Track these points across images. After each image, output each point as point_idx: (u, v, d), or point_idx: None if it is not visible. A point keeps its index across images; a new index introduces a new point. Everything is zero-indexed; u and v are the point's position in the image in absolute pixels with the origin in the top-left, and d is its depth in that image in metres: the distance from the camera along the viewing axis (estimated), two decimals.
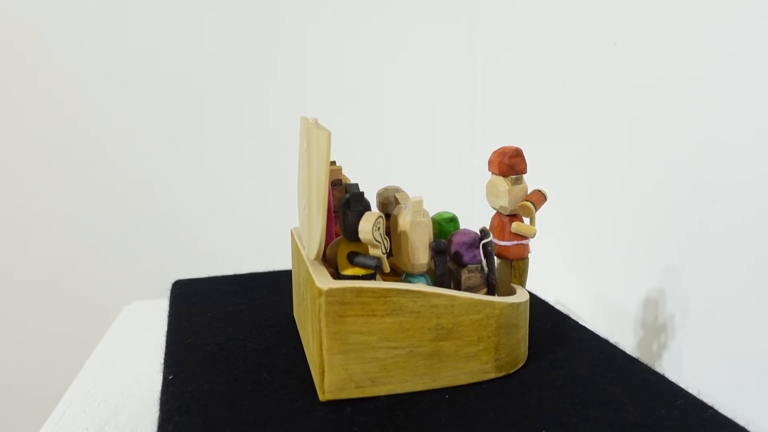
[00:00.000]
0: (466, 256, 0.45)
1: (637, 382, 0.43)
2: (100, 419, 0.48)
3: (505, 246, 0.49)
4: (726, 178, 0.53)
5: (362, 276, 0.43)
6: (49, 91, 0.91)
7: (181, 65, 0.94)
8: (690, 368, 0.58)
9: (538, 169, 0.49)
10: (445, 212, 0.51)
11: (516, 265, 0.49)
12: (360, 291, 0.40)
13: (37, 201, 0.95)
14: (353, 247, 0.43)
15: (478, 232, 0.46)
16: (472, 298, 0.42)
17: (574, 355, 0.47)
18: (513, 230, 0.49)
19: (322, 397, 0.41)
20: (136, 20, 0.91)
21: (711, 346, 0.55)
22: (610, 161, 0.69)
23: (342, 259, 0.43)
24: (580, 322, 0.54)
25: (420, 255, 0.44)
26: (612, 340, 0.50)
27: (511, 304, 0.43)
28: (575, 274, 0.77)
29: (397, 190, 0.53)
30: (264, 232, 0.99)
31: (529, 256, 0.50)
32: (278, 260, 0.77)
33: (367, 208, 0.42)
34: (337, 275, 0.43)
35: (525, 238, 0.49)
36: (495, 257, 0.47)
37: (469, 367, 0.43)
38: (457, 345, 0.42)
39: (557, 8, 0.78)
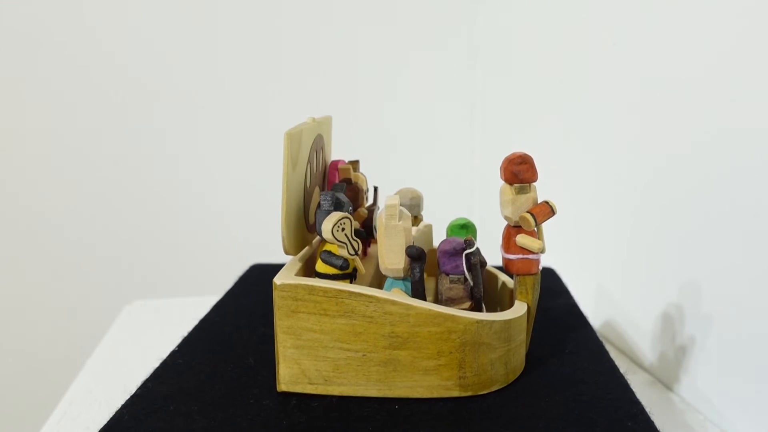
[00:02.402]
0: (447, 266, 0.43)
1: (611, 430, 0.37)
2: (101, 419, 0.47)
3: (509, 259, 0.45)
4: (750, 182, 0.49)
5: (332, 275, 0.43)
6: (52, 90, 0.94)
7: (199, 64, 0.97)
8: (712, 388, 0.55)
9: (539, 171, 0.46)
10: (461, 218, 0.49)
11: (522, 280, 0.46)
12: (312, 289, 0.40)
13: (38, 200, 0.97)
14: (327, 246, 0.44)
15: (463, 241, 0.43)
16: (430, 310, 0.40)
17: (567, 387, 0.42)
18: (517, 243, 0.45)
19: (278, 388, 0.42)
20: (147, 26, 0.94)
21: (736, 366, 0.51)
22: (614, 161, 0.68)
23: (318, 256, 0.44)
24: (613, 351, 0.48)
25: (394, 259, 0.43)
26: (627, 376, 0.44)
27: (480, 321, 0.40)
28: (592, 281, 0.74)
29: (413, 192, 0.52)
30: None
31: (540, 272, 0.46)
32: None
33: (338, 208, 0.43)
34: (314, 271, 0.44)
35: (531, 252, 0.45)
36: (480, 269, 0.44)
37: (428, 381, 0.41)
38: (414, 356, 0.40)
39: (557, 8, 0.78)
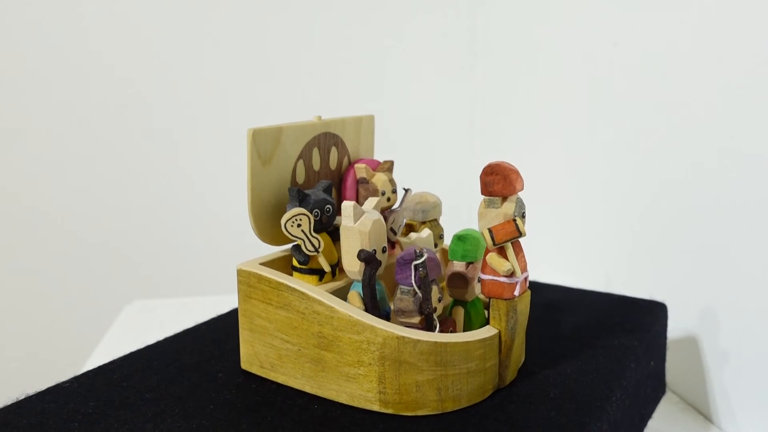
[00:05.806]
0: (398, 275, 0.41)
1: None
2: None
3: (482, 279, 0.41)
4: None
5: (300, 269, 0.44)
6: (53, 90, 0.94)
7: (200, 64, 0.96)
8: (712, 388, 0.55)
9: (539, 172, 0.43)
10: (466, 229, 0.46)
11: (495, 304, 0.41)
12: (260, 278, 0.42)
13: (38, 199, 0.96)
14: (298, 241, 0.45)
15: (414, 251, 0.41)
16: (350, 316, 0.39)
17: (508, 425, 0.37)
18: (487, 261, 0.40)
19: (241, 366, 0.45)
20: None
21: None
22: (618, 163, 0.67)
23: None
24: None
25: (352, 261, 0.42)
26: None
27: (401, 338, 0.38)
28: None
29: (421, 196, 0.50)
30: None
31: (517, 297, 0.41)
32: None
33: (303, 203, 0.44)
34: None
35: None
36: (431, 283, 0.41)
37: (350, 387, 0.40)
38: (338, 360, 0.40)
39: (558, 8, 0.77)
